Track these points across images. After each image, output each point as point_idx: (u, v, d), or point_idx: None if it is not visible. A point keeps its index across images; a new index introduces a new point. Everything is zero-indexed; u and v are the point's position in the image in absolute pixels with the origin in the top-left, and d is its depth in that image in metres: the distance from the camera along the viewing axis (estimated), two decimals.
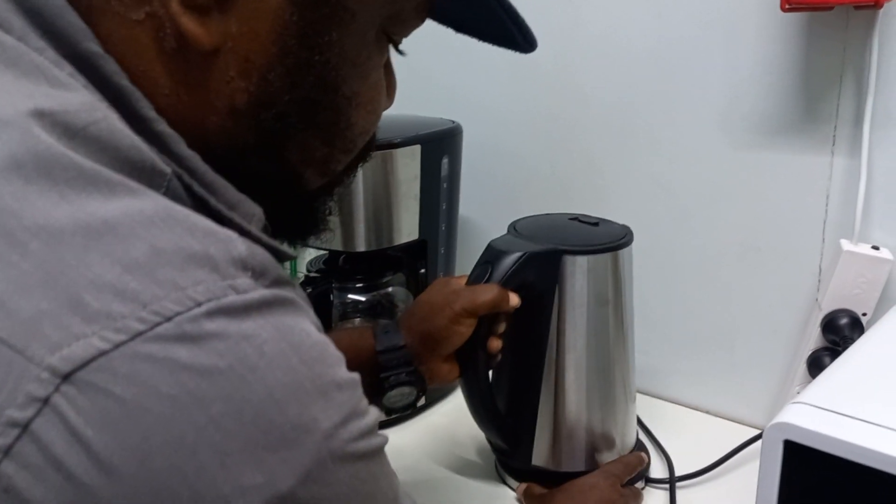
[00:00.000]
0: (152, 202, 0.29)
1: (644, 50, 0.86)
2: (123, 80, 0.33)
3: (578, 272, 0.68)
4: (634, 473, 0.72)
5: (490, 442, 0.77)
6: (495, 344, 0.68)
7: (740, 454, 0.77)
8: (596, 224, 0.75)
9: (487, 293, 0.65)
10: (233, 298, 0.28)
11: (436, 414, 0.91)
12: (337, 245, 0.85)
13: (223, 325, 0.27)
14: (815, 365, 0.75)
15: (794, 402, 0.44)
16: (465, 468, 0.80)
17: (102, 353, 0.25)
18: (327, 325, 0.88)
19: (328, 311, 0.87)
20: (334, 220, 0.82)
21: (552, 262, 0.68)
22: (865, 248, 0.72)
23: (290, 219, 0.43)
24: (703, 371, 0.90)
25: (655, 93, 0.87)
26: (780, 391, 0.83)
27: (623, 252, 0.71)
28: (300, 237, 0.47)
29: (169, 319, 0.26)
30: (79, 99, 0.31)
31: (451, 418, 0.89)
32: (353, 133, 0.42)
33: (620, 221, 0.91)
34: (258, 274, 0.30)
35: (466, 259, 1.03)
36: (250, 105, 0.36)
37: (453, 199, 0.93)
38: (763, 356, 0.85)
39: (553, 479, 0.71)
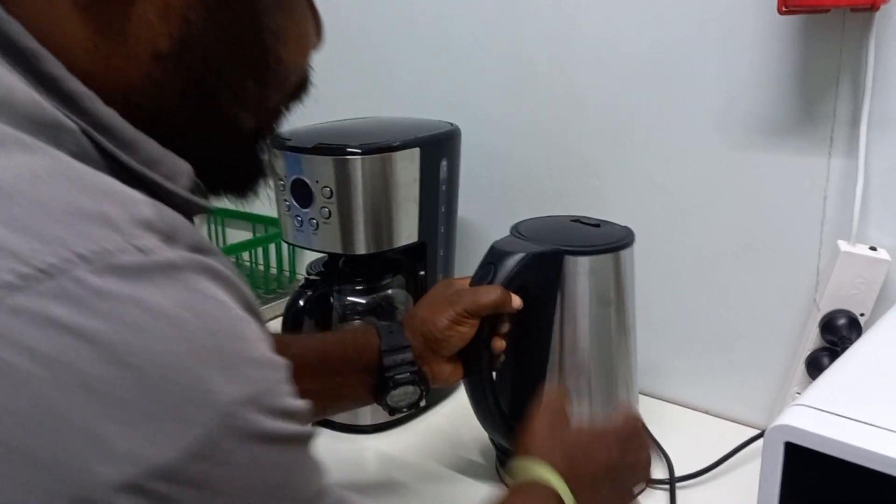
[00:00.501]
0: (46, 159, 0.28)
1: (640, 52, 0.86)
2: (28, 41, 0.31)
3: (581, 272, 0.69)
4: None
5: (493, 442, 0.77)
6: (499, 344, 0.68)
7: (740, 454, 0.78)
8: (597, 225, 0.75)
9: (490, 294, 0.65)
10: (130, 258, 0.26)
11: (437, 415, 0.91)
12: (337, 248, 0.85)
13: (112, 285, 0.25)
14: (814, 365, 0.76)
15: (795, 405, 0.45)
16: (466, 468, 0.80)
17: None
18: (327, 328, 0.88)
19: (328, 313, 0.88)
20: (334, 224, 0.83)
21: (554, 262, 0.68)
22: (863, 249, 0.73)
23: (230, 169, 0.42)
24: (702, 371, 0.91)
25: (652, 94, 0.87)
26: (778, 391, 0.84)
27: (625, 252, 0.71)
28: (243, 188, 0.45)
29: (48, 275, 0.25)
30: None
31: (453, 419, 0.90)
32: (285, 69, 0.42)
33: (620, 222, 0.92)
34: (168, 237, 0.28)
35: (465, 261, 1.04)
36: (174, 49, 0.35)
37: (452, 201, 0.93)
38: (761, 356, 0.86)
39: None
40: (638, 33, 0.86)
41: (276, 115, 0.45)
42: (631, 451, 0.60)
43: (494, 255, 0.68)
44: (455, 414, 0.90)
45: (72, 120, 0.31)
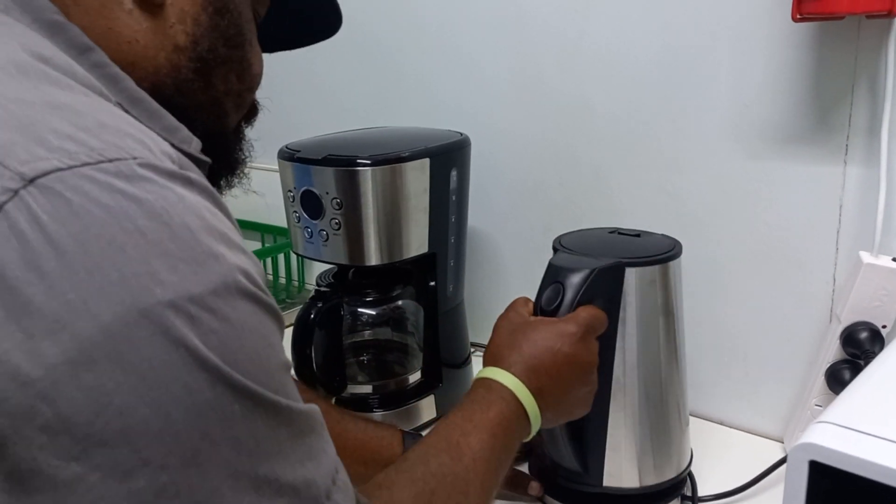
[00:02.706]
0: (103, 103, 0.40)
1: (651, 60, 0.86)
2: (83, 39, 0.43)
3: (644, 284, 0.68)
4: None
5: (556, 466, 0.74)
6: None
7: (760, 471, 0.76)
8: (638, 235, 0.75)
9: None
10: (162, 163, 0.36)
11: None
12: (347, 260, 0.84)
13: (152, 175, 0.35)
14: (835, 378, 0.75)
15: (819, 422, 0.43)
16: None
17: (58, 170, 0.33)
18: (338, 340, 0.87)
19: (339, 325, 0.87)
20: (344, 235, 0.83)
21: (616, 275, 0.67)
22: (886, 261, 0.72)
23: (216, 153, 0.51)
24: (718, 381, 0.89)
25: (663, 102, 0.86)
26: (796, 402, 0.82)
27: (675, 263, 0.71)
28: (222, 176, 0.56)
29: (110, 160, 0.34)
30: (49, 45, 0.42)
31: None
32: (253, 72, 0.54)
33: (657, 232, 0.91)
34: (184, 170, 0.38)
35: (475, 271, 1.03)
36: (189, 41, 0.48)
37: (462, 211, 0.92)
38: (778, 366, 0.84)
39: (622, 501, 0.71)
40: (648, 41, 0.85)
41: (246, 118, 0.57)
42: (592, 353, 0.64)
43: (559, 273, 0.66)
44: None
45: (112, 94, 0.43)
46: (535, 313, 0.67)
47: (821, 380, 0.77)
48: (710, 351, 0.89)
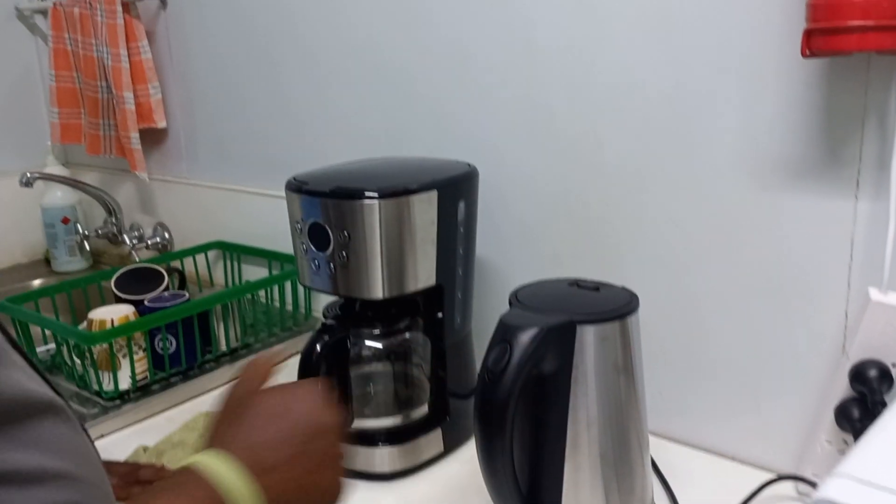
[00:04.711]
0: None
1: (660, 94, 0.85)
2: None
3: (595, 341, 0.67)
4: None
5: None
6: None
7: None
8: (597, 289, 0.74)
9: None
10: None
11: (457, 461, 0.90)
12: (354, 292, 0.84)
13: None
14: (843, 415, 0.74)
15: (837, 476, 0.43)
16: None
17: None
18: (344, 373, 0.87)
19: (345, 358, 0.86)
20: (351, 267, 0.82)
21: (568, 333, 0.67)
22: (895, 298, 0.71)
23: None
24: (726, 414, 0.88)
25: (672, 135, 0.86)
26: (806, 438, 0.81)
27: (632, 318, 0.70)
28: None
29: None
30: None
31: (473, 465, 0.88)
32: None
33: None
34: None
35: (482, 300, 1.02)
36: None
37: (469, 242, 0.92)
38: (789, 400, 0.83)
39: None
40: (658, 75, 0.85)
41: None
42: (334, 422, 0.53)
43: (507, 332, 0.66)
44: (475, 461, 0.89)
45: None
46: (481, 374, 0.66)
47: (830, 416, 0.76)
48: (720, 383, 0.88)
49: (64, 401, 0.42)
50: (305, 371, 0.82)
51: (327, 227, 0.82)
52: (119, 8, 1.35)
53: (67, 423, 0.40)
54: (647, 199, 0.89)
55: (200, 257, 1.40)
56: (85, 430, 0.45)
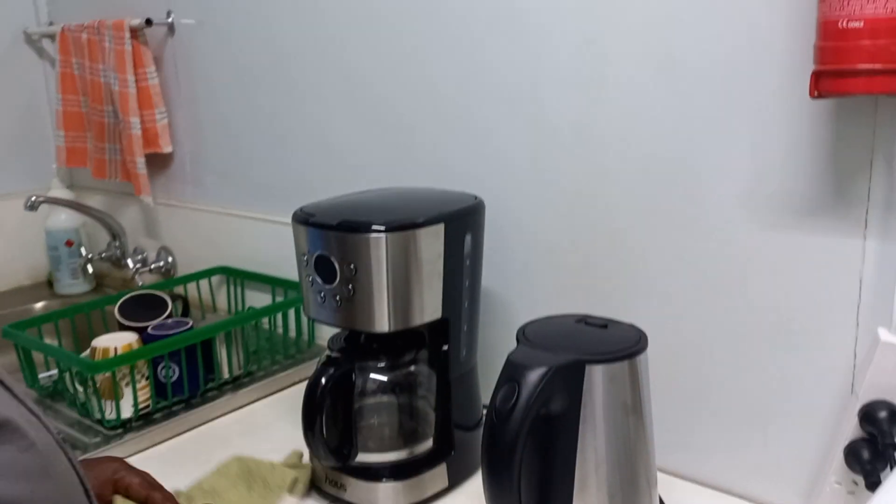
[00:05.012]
0: None
1: (667, 126, 0.86)
2: None
3: (604, 381, 0.67)
4: None
5: None
6: None
7: None
8: (605, 326, 0.74)
9: None
10: None
11: (462, 496, 0.89)
12: (360, 325, 0.84)
13: None
14: (853, 455, 0.73)
15: None
16: None
17: None
18: (349, 406, 0.86)
19: (350, 391, 0.86)
20: (357, 300, 0.82)
21: (577, 372, 0.66)
22: None
23: None
24: (733, 450, 0.88)
25: (679, 169, 0.86)
26: (815, 477, 0.81)
27: (642, 357, 0.70)
28: None
29: None
30: None
31: (478, 502, 0.87)
32: None
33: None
34: None
35: (488, 332, 1.02)
36: None
37: (475, 274, 0.92)
38: (797, 438, 0.83)
39: None
40: (666, 110, 0.85)
41: None
42: None
43: (515, 371, 0.65)
44: (481, 497, 0.88)
45: None
46: (488, 413, 0.66)
47: (839, 456, 0.75)
48: (727, 419, 0.87)
49: (33, 415, 0.41)
50: (310, 404, 0.81)
51: (333, 260, 0.82)
52: (127, 34, 1.36)
53: (20, 443, 0.39)
54: (654, 234, 0.89)
55: (204, 282, 1.40)
56: (59, 443, 0.44)
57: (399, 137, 1.12)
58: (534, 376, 0.64)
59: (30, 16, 1.67)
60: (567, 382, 0.66)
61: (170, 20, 1.40)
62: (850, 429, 0.74)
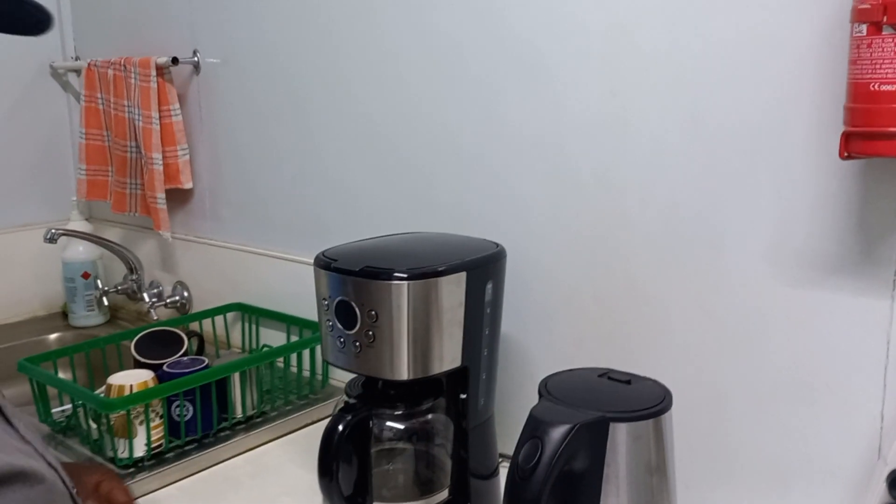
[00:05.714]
0: None
1: (690, 178, 0.86)
2: None
3: (628, 440, 0.66)
4: None
5: None
6: None
7: None
8: (628, 382, 0.73)
9: None
10: None
11: None
12: (379, 372, 0.83)
13: None
14: None
15: None
16: None
17: None
18: (365, 453, 0.85)
19: (367, 438, 0.85)
20: (377, 347, 0.81)
21: (601, 430, 0.66)
22: None
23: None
24: None
25: (702, 222, 0.86)
26: None
27: (667, 415, 0.69)
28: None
29: None
30: None
31: None
32: None
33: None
34: None
35: (505, 379, 1.01)
36: None
37: (495, 323, 0.91)
38: (818, 500, 0.81)
39: None
40: (689, 162, 0.85)
41: None
42: None
43: (539, 428, 0.65)
44: None
45: None
46: (510, 470, 0.65)
47: None
48: (748, 478, 0.86)
49: (50, 465, 0.42)
50: (327, 451, 0.80)
51: (355, 306, 0.82)
52: (153, 72, 1.38)
53: (38, 488, 0.40)
54: (676, 286, 0.89)
55: (219, 318, 1.40)
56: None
57: (418, 182, 1.12)
58: (557, 433, 0.63)
59: (56, 50, 1.70)
60: (591, 440, 0.65)
61: (195, 59, 1.42)
62: (878, 495, 0.72)
